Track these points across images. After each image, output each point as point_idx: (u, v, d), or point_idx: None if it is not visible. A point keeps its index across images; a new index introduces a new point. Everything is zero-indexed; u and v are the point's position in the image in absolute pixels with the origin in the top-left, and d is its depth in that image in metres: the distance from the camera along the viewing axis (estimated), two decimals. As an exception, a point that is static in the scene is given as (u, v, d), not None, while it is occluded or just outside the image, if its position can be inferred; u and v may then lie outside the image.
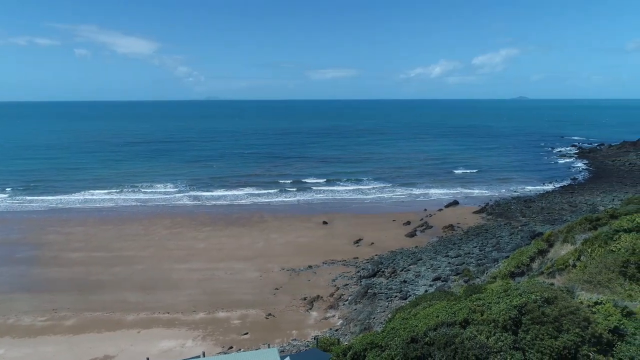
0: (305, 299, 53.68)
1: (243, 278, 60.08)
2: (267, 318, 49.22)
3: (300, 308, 51.63)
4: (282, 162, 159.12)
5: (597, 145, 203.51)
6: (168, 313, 50.34)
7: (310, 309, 51.51)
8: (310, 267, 63.87)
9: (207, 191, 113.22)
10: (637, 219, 44.73)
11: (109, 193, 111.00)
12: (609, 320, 24.39)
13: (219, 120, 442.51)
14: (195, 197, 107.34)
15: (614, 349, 23.35)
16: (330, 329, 46.79)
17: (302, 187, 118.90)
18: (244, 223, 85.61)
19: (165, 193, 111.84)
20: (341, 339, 39.75)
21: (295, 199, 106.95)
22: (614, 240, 39.86)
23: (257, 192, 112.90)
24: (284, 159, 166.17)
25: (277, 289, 56.67)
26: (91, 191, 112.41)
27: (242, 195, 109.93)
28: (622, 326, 24.68)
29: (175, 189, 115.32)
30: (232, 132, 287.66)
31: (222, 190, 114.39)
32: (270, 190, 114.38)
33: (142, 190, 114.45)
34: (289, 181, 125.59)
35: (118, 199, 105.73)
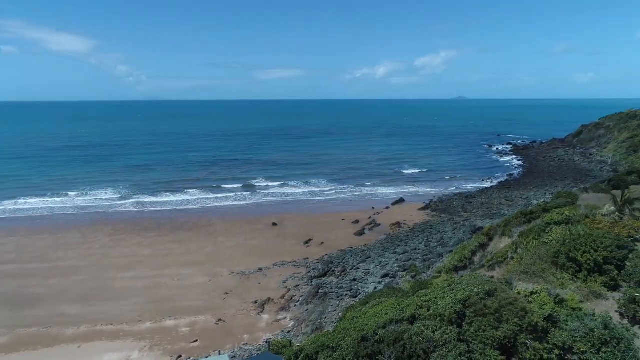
0: (256, 302, 53.16)
1: (191, 284, 58.55)
2: (217, 324, 48.28)
3: (251, 311, 51.08)
4: (229, 164, 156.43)
5: (530, 143, 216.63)
6: (111, 324, 48.10)
7: (262, 312, 51.09)
8: (260, 269, 63.33)
9: (151, 196, 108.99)
10: (566, 212, 48.05)
11: (43, 201, 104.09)
12: (543, 309, 26.08)
13: (162, 122, 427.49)
14: (139, 203, 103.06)
15: (548, 335, 25.00)
16: (282, 331, 46.65)
17: (251, 189, 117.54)
18: (190, 227, 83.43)
19: (105, 199, 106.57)
20: (293, 341, 39.73)
21: (244, 202, 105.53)
22: (547, 233, 42.63)
23: (203, 195, 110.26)
24: (231, 161, 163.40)
25: (227, 293, 55.72)
26: (23, 199, 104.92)
27: (188, 199, 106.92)
28: (555, 314, 26.47)
29: (117, 195, 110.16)
30: (176, 134, 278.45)
31: (166, 194, 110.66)
32: (217, 194, 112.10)
33: (80, 196, 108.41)
34: (237, 183, 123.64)
35: (54, 207, 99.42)
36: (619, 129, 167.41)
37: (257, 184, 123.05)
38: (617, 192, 49.68)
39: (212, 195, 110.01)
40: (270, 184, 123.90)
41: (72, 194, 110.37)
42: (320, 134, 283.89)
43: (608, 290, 33.27)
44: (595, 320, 25.73)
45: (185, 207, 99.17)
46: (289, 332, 46.59)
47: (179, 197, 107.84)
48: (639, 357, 23.99)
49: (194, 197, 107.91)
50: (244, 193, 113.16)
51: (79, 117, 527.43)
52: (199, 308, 51.69)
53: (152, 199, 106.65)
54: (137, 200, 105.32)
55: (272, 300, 53.76)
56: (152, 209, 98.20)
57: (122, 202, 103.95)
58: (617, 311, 30.90)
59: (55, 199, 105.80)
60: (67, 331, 46.88)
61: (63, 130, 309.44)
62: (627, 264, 34.27)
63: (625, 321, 29.79)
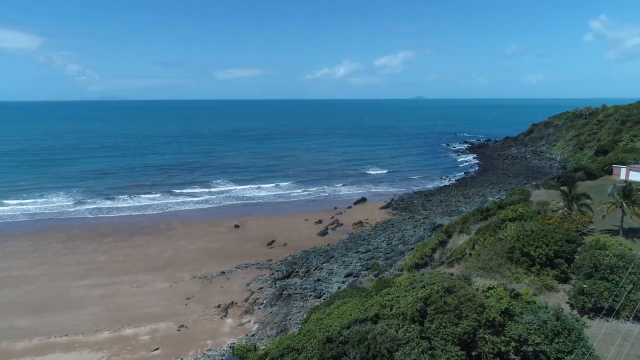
0: (219, 306, 52.37)
1: (151, 290, 56.97)
2: (179, 330, 47.20)
3: (214, 316, 50.27)
4: (190, 167, 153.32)
5: (485, 141, 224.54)
6: (66, 336, 46.07)
7: (225, 316, 50.40)
8: (223, 272, 62.44)
9: (107, 200, 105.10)
10: (519, 209, 50.08)
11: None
12: (500, 303, 27.04)
13: (117, 123, 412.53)
14: (94, 208, 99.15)
15: (505, 329, 25.98)
16: (247, 335, 46.20)
17: (212, 192, 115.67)
18: (149, 232, 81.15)
19: (58, 205, 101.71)
20: (258, 344, 39.38)
21: (205, 204, 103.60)
22: (502, 229, 44.31)
23: (162, 198, 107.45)
24: (191, 163, 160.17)
25: (188, 298, 54.59)
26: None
27: (147, 202, 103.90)
28: (511, 307, 27.52)
29: (70, 200, 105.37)
30: (133, 136, 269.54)
31: (123, 198, 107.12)
32: (177, 197, 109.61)
33: (31, 203, 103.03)
34: (198, 186, 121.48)
35: (1, 214, 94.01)
36: (567, 127, 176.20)
37: (219, 186, 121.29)
38: (566, 188, 52.34)
39: (171, 199, 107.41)
40: (232, 186, 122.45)
41: (22, 200, 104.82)
42: (282, 134, 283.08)
43: (559, 283, 35.03)
44: (548, 312, 26.95)
45: (144, 212, 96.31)
46: (253, 335, 46.20)
47: (136, 201, 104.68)
48: (589, 345, 25.37)
49: (153, 201, 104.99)
50: (205, 195, 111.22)
51: (29, 118, 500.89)
52: (159, 315, 50.37)
53: (109, 203, 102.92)
54: (92, 205, 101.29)
55: (236, 303, 53.13)
56: (109, 214, 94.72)
57: (76, 207, 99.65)
58: (567, 302, 32.56)
59: (3, 207, 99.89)
60: (18, 345, 44.54)
61: (11, 133, 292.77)
62: (576, 257, 36.15)
63: (575, 312, 31.42)
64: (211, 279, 60.41)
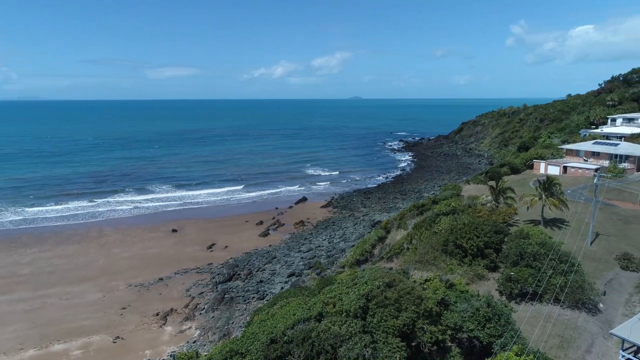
0: (157, 314, 50.41)
1: (82, 302, 53.67)
2: (114, 342, 44.87)
3: (152, 325, 48.32)
4: (122, 170, 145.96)
5: (419, 140, 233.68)
6: (-14, 357, 42.31)
7: (164, 324, 48.61)
8: (161, 279, 60.15)
9: (31, 209, 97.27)
10: (452, 203, 52.67)
11: None
12: (436, 294, 28.35)
13: (40, 124, 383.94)
14: (15, 217, 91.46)
15: (441, 318, 27.30)
16: (188, 342, 44.87)
17: (147, 196, 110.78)
18: (79, 240, 76.39)
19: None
20: (200, 351, 38.39)
21: (140, 209, 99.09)
22: (436, 223, 46.41)
23: (92, 206, 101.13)
24: (123, 167, 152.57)
25: (124, 308, 52.03)
26: None
27: (75, 209, 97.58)
28: (447, 297, 28.96)
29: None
30: (59, 138, 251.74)
31: (49, 205, 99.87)
32: (109, 203, 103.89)
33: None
34: (131, 190, 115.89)
35: None
36: (492, 125, 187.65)
37: (154, 191, 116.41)
38: (493, 183, 55.81)
39: (103, 206, 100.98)
40: (168, 190, 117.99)
41: None
42: (220, 136, 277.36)
43: (489, 272, 37.31)
44: (480, 300, 28.67)
45: (73, 220, 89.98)
46: (195, 342, 44.96)
47: (64, 209, 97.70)
48: (516, 329, 27.26)
49: (82, 209, 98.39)
50: (140, 201, 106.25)
51: None
52: (92, 327, 47.60)
53: (32, 212, 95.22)
54: (12, 214, 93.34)
55: (176, 310, 51.41)
56: (32, 224, 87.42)
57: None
58: (497, 289, 34.77)
59: None
60: None
61: None
62: (504, 247, 38.70)
63: (504, 298, 33.65)
64: (148, 286, 58.00)
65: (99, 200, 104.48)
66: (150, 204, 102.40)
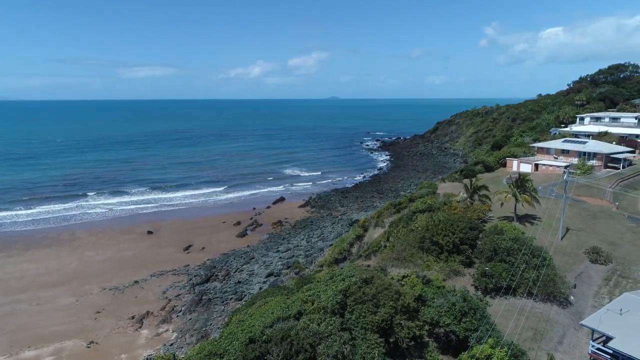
0: (133, 317, 49.47)
1: (54, 307, 52.22)
2: (88, 347, 43.83)
3: (128, 328, 47.39)
4: (94, 171, 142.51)
5: (396, 139, 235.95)
6: (-49, 366, 40.75)
7: (140, 327, 47.74)
8: (136, 282, 59.05)
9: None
10: (428, 201, 53.38)
11: None
12: (414, 290, 28.72)
13: (5, 125, 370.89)
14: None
15: (419, 313, 27.66)
16: (165, 345, 44.19)
17: (121, 198, 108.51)
18: (50, 244, 74.26)
19: None
20: (177, 354, 37.89)
21: (114, 211, 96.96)
22: (413, 221, 46.95)
23: (63, 207, 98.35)
24: (95, 168, 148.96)
25: (98, 312, 50.88)
26: None
27: (45, 212, 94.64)
28: (424, 293, 29.36)
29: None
30: (27, 140, 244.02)
31: (17, 208, 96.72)
32: (82, 205, 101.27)
33: None
34: (105, 191, 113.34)
35: None
36: (467, 125, 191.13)
37: (128, 192, 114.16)
38: (468, 181, 56.83)
39: (75, 209, 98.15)
40: (143, 191, 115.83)
41: None
42: (196, 136, 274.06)
43: (465, 267, 37.99)
44: (456, 295, 29.15)
45: (44, 224, 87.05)
46: (172, 344, 44.32)
47: (33, 213, 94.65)
48: (491, 322, 27.84)
49: (53, 211, 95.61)
50: (114, 202, 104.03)
51: None
52: (65, 332, 46.38)
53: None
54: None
55: (152, 313, 50.55)
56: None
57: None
58: (472, 285, 35.42)
59: None
60: None
61: None
62: (478, 242, 39.43)
63: (479, 292, 34.31)
64: (123, 289, 56.86)
65: (71, 204, 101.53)
66: (125, 207, 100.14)
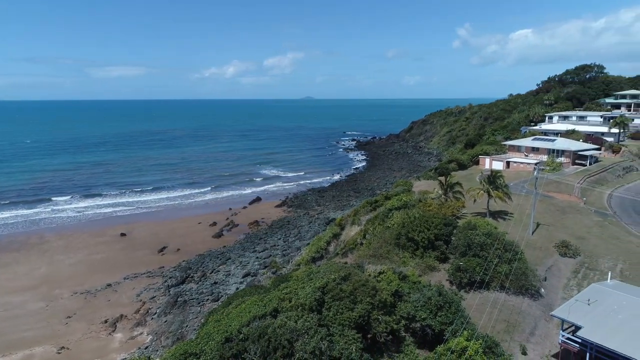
0: (106, 321, 48.33)
1: (22, 312, 50.55)
2: (59, 353, 42.59)
3: (101, 332, 46.28)
4: (65, 173, 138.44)
5: (372, 138, 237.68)
6: None
7: (114, 331, 46.69)
8: (109, 285, 57.69)
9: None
10: (403, 199, 53.98)
11: None
12: (390, 286, 28.98)
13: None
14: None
15: (396, 308, 27.94)
16: (139, 348, 43.35)
17: (93, 200, 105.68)
18: (17, 248, 71.83)
19: None
20: (152, 356, 37.24)
21: (85, 213, 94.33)
22: (389, 218, 47.40)
23: (31, 211, 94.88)
24: (66, 170, 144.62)
25: (69, 317, 49.50)
26: None
27: (13, 217, 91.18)
28: (400, 289, 29.67)
29: None
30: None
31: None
32: (51, 210, 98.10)
33: None
34: (76, 193, 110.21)
35: None
36: (441, 124, 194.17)
37: (100, 194, 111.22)
38: (442, 178, 57.77)
39: (45, 213, 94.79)
40: (116, 193, 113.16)
41: None
42: (171, 136, 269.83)
43: (440, 263, 38.56)
44: (432, 289, 29.58)
45: (9, 228, 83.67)
46: (147, 347, 43.51)
47: (0, 216, 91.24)
48: (466, 315, 28.36)
49: (21, 215, 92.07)
50: (85, 205, 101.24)
51: None
52: (35, 338, 44.94)
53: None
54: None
55: (125, 316, 49.50)
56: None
57: None
58: (447, 279, 36.00)
59: None
60: None
61: None
62: (453, 238, 40.11)
63: (454, 287, 34.91)
64: (95, 293, 55.49)
65: (40, 207, 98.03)
66: (97, 210, 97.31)
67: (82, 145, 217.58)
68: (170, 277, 59.74)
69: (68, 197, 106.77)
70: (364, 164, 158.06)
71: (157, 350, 42.06)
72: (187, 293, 54.90)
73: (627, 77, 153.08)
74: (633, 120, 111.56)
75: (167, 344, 43.10)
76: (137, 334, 46.25)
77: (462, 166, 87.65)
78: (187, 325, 46.86)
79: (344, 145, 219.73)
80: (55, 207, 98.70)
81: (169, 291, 55.65)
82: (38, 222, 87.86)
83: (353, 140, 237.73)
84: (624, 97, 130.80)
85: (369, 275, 30.95)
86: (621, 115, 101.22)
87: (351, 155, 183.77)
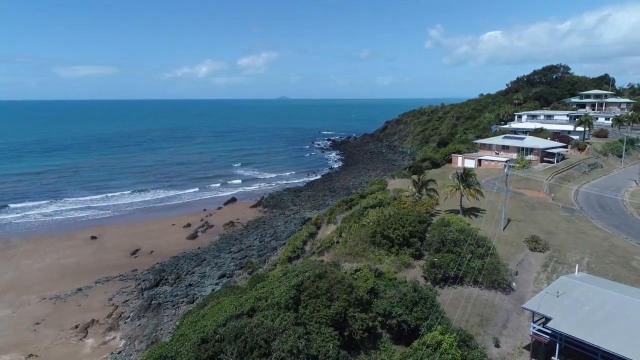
0: (77, 326, 46.98)
1: (-13, 320, 48.66)
2: (27, 361, 41.18)
3: (71, 338, 44.95)
4: (31, 176, 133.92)
5: (346, 138, 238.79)
6: None
7: (85, 336, 45.43)
8: (80, 289, 56.11)
9: None
10: (378, 197, 54.43)
11: None
12: (366, 283, 29.18)
13: None
14: None
15: (372, 305, 28.15)
16: (112, 353, 42.32)
17: (62, 203, 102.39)
18: (-19, 253, 69.09)
19: None
20: (126, 361, 36.44)
21: (53, 216, 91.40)
22: (364, 216, 47.73)
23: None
24: (33, 173, 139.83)
25: (38, 323, 47.90)
26: None
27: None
28: (376, 286, 29.91)
29: None
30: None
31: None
32: (15, 213, 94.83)
33: None
34: (43, 196, 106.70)
35: None
36: (414, 124, 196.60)
37: (69, 197, 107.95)
38: (416, 177, 58.55)
39: (8, 215, 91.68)
40: (85, 195, 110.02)
41: None
42: (143, 137, 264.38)
43: (414, 259, 39.06)
44: (407, 286, 29.94)
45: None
46: (120, 352, 42.51)
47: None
48: (440, 310, 28.82)
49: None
50: (53, 208, 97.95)
51: None
52: (1, 346, 43.31)
53: None
54: None
55: (97, 321, 48.23)
56: None
57: None
58: (422, 276, 36.50)
59: None
60: None
61: None
62: (427, 235, 40.71)
63: (429, 283, 35.42)
64: (65, 298, 53.88)
65: (3, 213, 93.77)
66: (67, 214, 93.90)
67: (49, 147, 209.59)
68: (143, 280, 58.55)
69: (34, 202, 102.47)
70: (339, 163, 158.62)
71: (131, 355, 41.17)
72: (161, 296, 53.93)
73: (590, 77, 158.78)
74: (597, 119, 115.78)
75: (141, 347, 42.21)
76: (110, 338, 45.15)
77: (435, 164, 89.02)
78: (161, 329, 46.03)
79: (319, 145, 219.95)
80: (20, 212, 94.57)
81: (143, 294, 54.54)
82: (3, 226, 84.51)
83: (328, 140, 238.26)
84: (588, 96, 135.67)
85: (345, 272, 31.10)
86: (586, 115, 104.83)
87: (327, 155, 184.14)
